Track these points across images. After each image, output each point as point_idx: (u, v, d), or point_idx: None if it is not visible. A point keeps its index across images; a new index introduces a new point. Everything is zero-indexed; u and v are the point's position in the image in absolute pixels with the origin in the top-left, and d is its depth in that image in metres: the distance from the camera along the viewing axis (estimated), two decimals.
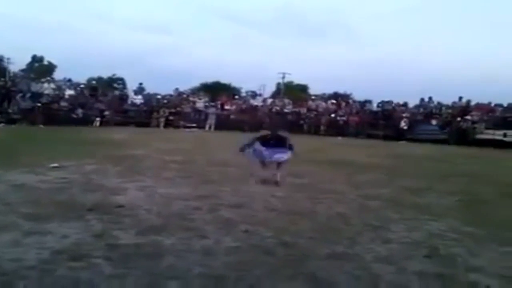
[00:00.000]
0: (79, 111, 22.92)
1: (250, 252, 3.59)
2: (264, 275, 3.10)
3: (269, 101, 28.74)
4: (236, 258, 3.43)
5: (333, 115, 24.33)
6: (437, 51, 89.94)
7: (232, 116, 25.30)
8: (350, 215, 5.10)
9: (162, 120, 23.84)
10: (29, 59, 52.61)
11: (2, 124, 19.85)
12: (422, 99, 24.80)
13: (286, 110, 25.73)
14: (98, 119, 22.82)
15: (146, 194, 5.74)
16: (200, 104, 25.87)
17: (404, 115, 22.99)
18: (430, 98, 24.55)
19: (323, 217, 4.94)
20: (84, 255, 3.33)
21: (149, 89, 28.30)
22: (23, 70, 40.53)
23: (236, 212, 4.92)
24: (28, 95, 23.23)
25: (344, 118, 23.83)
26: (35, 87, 24.54)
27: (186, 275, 3.04)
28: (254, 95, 30.37)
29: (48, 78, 30.09)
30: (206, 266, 3.24)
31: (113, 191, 5.81)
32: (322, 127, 23.53)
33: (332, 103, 26.93)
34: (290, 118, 24.67)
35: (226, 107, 26.27)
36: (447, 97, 25.25)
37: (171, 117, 24.25)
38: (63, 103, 23.36)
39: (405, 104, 25.16)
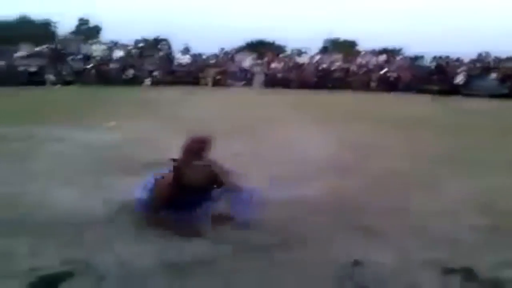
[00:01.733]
0: (130, 71, 23.55)
1: (301, 206, 3.70)
2: (317, 229, 3.23)
3: (316, 58, 28.18)
4: (287, 213, 3.55)
5: (383, 71, 23.57)
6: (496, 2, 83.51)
7: (278, 75, 25.14)
8: (403, 171, 5.09)
9: (210, 79, 24.08)
10: (75, 23, 53.74)
11: (58, 86, 20.84)
12: (479, 54, 23.51)
13: (333, 67, 25.21)
14: (148, 79, 23.37)
15: None
16: (246, 63, 25.83)
17: (460, 69, 21.92)
18: (487, 52, 23.23)
19: (374, 173, 4.96)
20: None
21: (195, 49, 28.43)
22: (71, 33, 41.56)
23: (285, 169, 4.99)
24: (79, 56, 24.12)
25: (395, 74, 23.03)
26: (84, 49, 25.36)
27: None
28: (300, 52, 29.77)
29: (96, 40, 30.87)
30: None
31: (166, 148, 6.07)
32: (372, 83, 22.92)
33: (383, 59, 26.06)
34: (337, 75, 24.20)
35: (272, 65, 26.07)
36: (506, 52, 23.76)
37: (218, 77, 24.45)
38: (112, 65, 24.06)
39: (459, 60, 23.96)
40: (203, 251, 2.81)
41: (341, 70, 24.68)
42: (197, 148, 3.33)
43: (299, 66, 25.54)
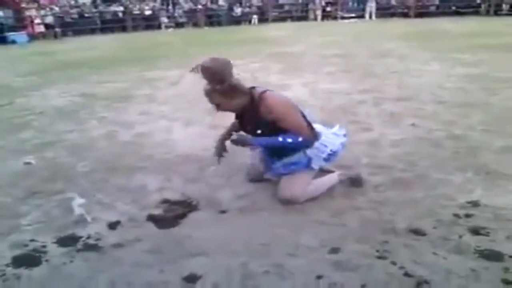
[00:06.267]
0: (238, 9, 23.73)
1: (417, 145, 3.58)
2: (432, 166, 3.10)
3: None
4: (403, 150, 3.47)
5: None
6: None
7: (393, 2, 23.44)
8: None
9: (319, 12, 23.32)
10: None
11: (171, 29, 21.83)
12: None
13: None
14: (255, 16, 23.40)
15: (309, 90, 5.94)
16: None
17: None
18: None
19: (498, 109, 4.54)
20: None
21: None
22: None
23: (402, 106, 4.83)
24: None
25: None
26: None
27: (353, 163, 3.20)
28: None
29: None
30: (372, 156, 3.35)
31: (279, 87, 6.13)
32: (504, 6, 20.32)
33: None
34: None
35: None
36: None
37: (328, 8, 23.56)
38: (221, 2, 24.40)
39: None
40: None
41: None
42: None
43: None
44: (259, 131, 2.50)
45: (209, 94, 2.45)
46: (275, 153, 2.64)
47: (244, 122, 2.61)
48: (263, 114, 2.43)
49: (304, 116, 2.53)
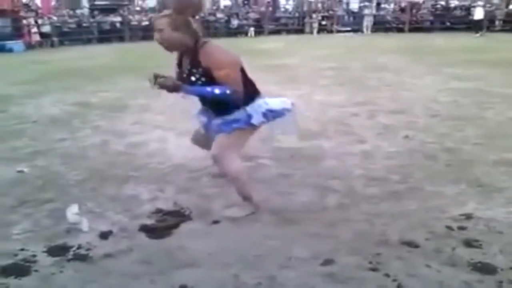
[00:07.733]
0: (235, 22, 23.83)
1: (411, 157, 3.59)
2: (425, 178, 3.11)
3: None
4: (396, 162, 3.48)
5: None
6: None
7: (388, 17, 23.68)
8: None
9: (315, 25, 23.48)
10: None
11: None
12: None
13: (452, 5, 23.02)
14: (252, 28, 23.49)
15: (303, 102, 5.94)
16: (354, 5, 24.67)
17: None
18: None
19: (492, 123, 4.58)
20: (253, 156, 3.68)
21: None
22: None
23: (396, 118, 4.85)
24: None
25: None
26: None
27: (347, 176, 3.20)
28: None
29: None
30: (366, 168, 3.35)
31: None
32: (497, 23, 20.58)
33: None
34: (457, 14, 22.12)
35: (383, 6, 24.62)
36: None
37: (324, 22, 23.73)
38: (219, 15, 24.48)
39: None
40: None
41: (461, 9, 22.49)
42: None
43: (414, 6, 23.71)
44: (193, 78, 2.42)
45: (159, 18, 2.38)
46: (216, 109, 2.55)
47: (183, 66, 2.54)
48: (201, 59, 2.37)
49: (245, 74, 2.48)
